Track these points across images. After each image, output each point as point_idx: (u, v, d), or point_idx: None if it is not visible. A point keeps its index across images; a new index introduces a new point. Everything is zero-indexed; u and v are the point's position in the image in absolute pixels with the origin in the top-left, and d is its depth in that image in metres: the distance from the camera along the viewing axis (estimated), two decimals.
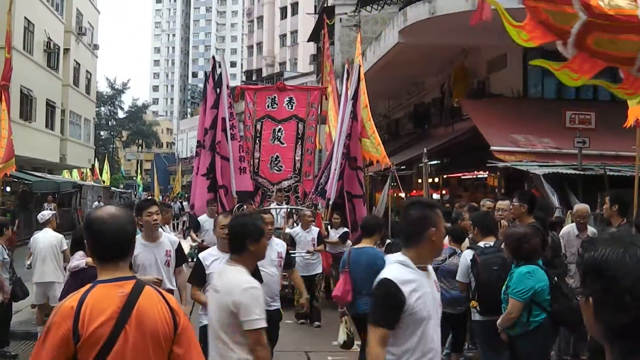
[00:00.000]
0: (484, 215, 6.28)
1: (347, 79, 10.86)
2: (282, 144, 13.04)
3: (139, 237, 4.95)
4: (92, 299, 2.22)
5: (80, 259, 5.57)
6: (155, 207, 5.56)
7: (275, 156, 13.02)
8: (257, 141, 13.04)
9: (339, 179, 8.88)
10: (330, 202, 8.59)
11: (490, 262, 5.10)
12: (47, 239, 7.94)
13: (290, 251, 9.71)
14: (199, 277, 4.84)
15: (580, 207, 7.47)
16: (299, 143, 13.02)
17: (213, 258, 4.82)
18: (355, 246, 6.37)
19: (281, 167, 13.02)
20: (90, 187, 29.95)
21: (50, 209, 17.08)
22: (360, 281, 5.57)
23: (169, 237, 5.65)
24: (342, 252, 9.76)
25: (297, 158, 13.00)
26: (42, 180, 23.22)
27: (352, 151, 8.94)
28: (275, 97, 13.06)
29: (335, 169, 9.58)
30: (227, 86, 11.20)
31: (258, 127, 13.03)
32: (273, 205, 11.72)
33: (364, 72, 10.64)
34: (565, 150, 11.37)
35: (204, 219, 10.21)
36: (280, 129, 13.03)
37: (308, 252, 9.10)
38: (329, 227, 10.03)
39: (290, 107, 13.04)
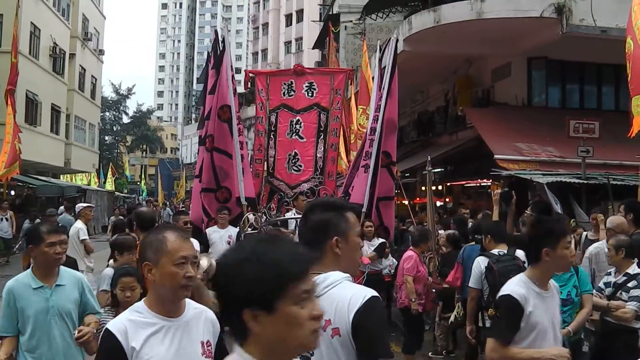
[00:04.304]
0: (496, 223, 6.38)
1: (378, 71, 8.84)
2: (301, 138, 10.65)
3: None
4: None
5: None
6: None
7: (293, 153, 10.61)
8: (272, 136, 10.67)
9: (372, 181, 7.48)
10: (364, 210, 7.21)
11: (507, 269, 5.08)
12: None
13: None
14: None
15: (617, 220, 5.81)
16: (321, 137, 10.60)
17: (148, 333, 2.36)
18: (470, 244, 6.95)
19: (300, 166, 10.62)
20: (94, 192, 29.95)
21: (6, 218, 16.43)
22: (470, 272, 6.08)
23: None
24: (379, 269, 8.52)
25: (318, 155, 10.60)
26: (46, 184, 23.26)
27: (382, 145, 7.61)
28: (292, 82, 10.68)
29: (366, 166, 7.73)
30: (231, 67, 9.17)
31: (272, 119, 10.71)
32: (291, 213, 9.43)
33: (370, 78, 10.35)
34: (568, 159, 11.37)
35: (211, 230, 8.74)
36: (298, 120, 10.71)
37: None
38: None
39: (310, 95, 10.69)
